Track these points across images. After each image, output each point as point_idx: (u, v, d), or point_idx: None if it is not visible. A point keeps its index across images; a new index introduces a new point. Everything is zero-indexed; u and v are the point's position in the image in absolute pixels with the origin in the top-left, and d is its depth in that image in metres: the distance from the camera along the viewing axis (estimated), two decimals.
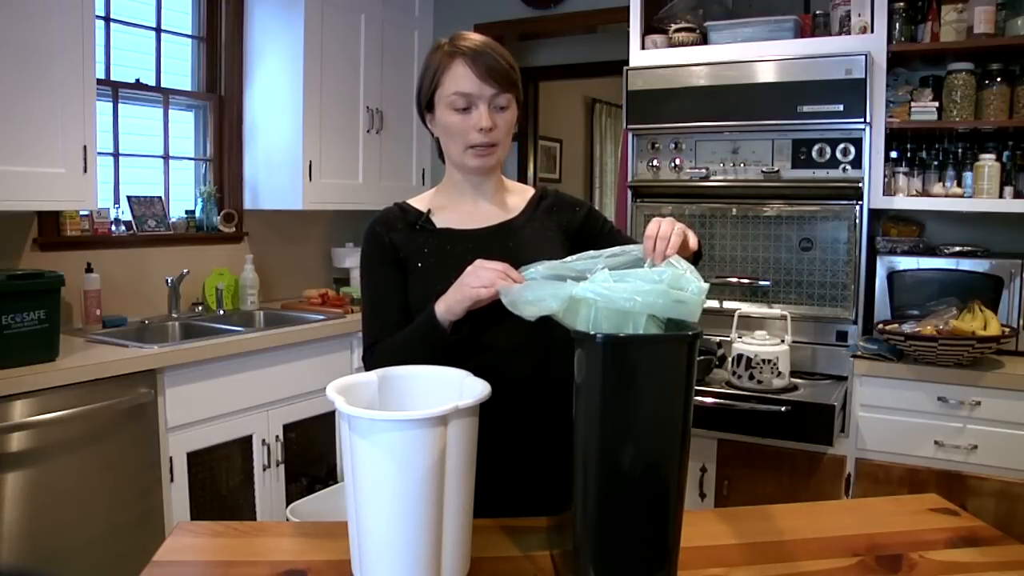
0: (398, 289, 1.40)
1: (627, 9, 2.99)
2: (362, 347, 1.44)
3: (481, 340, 1.31)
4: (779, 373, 2.50)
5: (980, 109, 2.63)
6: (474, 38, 1.38)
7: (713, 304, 2.85)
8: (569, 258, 1.23)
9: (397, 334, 1.36)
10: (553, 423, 1.24)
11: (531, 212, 1.47)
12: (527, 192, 1.52)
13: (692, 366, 1.02)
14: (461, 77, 1.34)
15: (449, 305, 1.27)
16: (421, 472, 0.99)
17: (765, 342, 2.52)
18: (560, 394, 1.11)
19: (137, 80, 3.22)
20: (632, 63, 2.97)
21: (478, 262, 1.25)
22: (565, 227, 1.48)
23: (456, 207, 1.45)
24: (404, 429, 0.98)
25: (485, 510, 1.21)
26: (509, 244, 1.40)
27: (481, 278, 1.22)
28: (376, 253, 1.42)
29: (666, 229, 1.19)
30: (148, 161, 3.32)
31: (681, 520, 1.05)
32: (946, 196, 2.68)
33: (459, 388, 1.14)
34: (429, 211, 1.44)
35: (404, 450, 0.99)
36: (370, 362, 1.36)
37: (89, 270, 2.90)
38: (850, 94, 2.56)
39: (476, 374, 1.15)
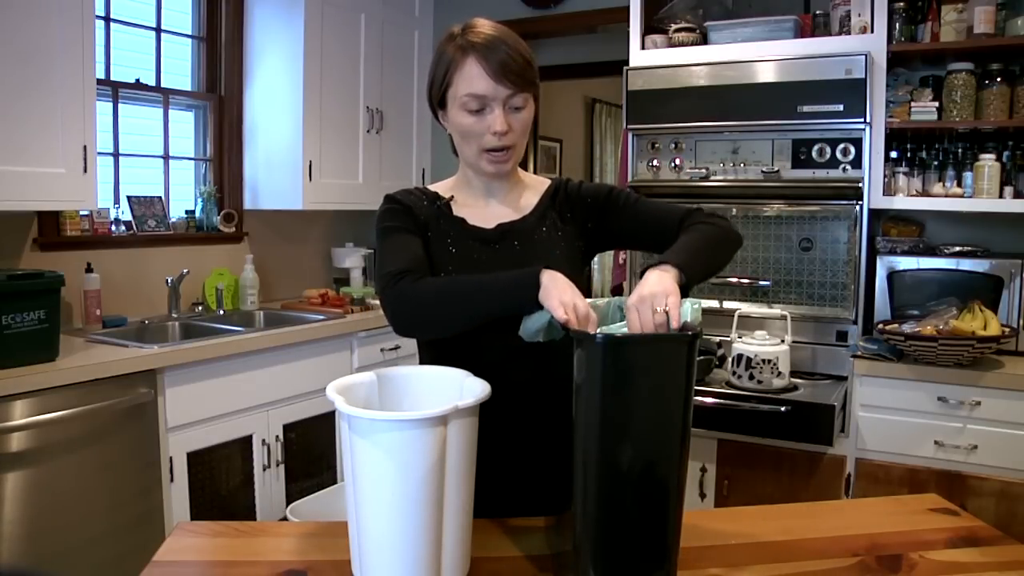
0: (420, 244, 1.33)
1: (627, 9, 2.99)
2: (384, 278, 1.24)
3: (483, 341, 1.29)
4: (779, 373, 2.50)
5: (980, 109, 2.63)
6: (487, 31, 1.28)
7: (713, 304, 2.85)
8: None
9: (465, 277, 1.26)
10: (553, 423, 1.24)
11: (542, 210, 1.41)
12: (542, 187, 1.45)
13: (692, 366, 1.02)
14: (474, 77, 1.26)
15: (548, 290, 1.13)
16: (421, 472, 0.99)
17: (765, 342, 2.52)
18: (560, 395, 1.10)
19: (137, 80, 3.22)
20: (632, 63, 2.97)
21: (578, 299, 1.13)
22: (581, 223, 1.42)
23: (469, 204, 1.41)
24: (404, 429, 0.98)
25: (485, 510, 1.21)
26: (515, 245, 1.37)
27: (566, 302, 1.10)
28: (399, 213, 1.36)
29: (647, 321, 1.10)
30: (148, 161, 3.32)
31: (681, 520, 1.05)
32: (946, 196, 2.68)
33: (459, 388, 1.14)
34: (452, 197, 1.40)
35: (404, 450, 0.99)
36: (405, 287, 1.21)
37: (89, 270, 2.90)
38: (850, 94, 2.56)
39: (477, 375, 1.15)
